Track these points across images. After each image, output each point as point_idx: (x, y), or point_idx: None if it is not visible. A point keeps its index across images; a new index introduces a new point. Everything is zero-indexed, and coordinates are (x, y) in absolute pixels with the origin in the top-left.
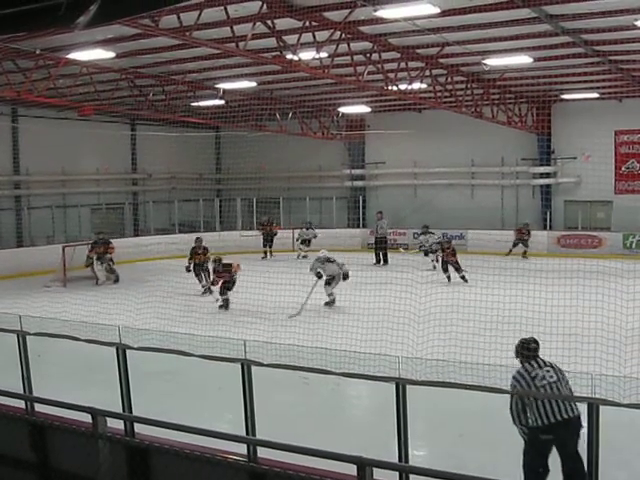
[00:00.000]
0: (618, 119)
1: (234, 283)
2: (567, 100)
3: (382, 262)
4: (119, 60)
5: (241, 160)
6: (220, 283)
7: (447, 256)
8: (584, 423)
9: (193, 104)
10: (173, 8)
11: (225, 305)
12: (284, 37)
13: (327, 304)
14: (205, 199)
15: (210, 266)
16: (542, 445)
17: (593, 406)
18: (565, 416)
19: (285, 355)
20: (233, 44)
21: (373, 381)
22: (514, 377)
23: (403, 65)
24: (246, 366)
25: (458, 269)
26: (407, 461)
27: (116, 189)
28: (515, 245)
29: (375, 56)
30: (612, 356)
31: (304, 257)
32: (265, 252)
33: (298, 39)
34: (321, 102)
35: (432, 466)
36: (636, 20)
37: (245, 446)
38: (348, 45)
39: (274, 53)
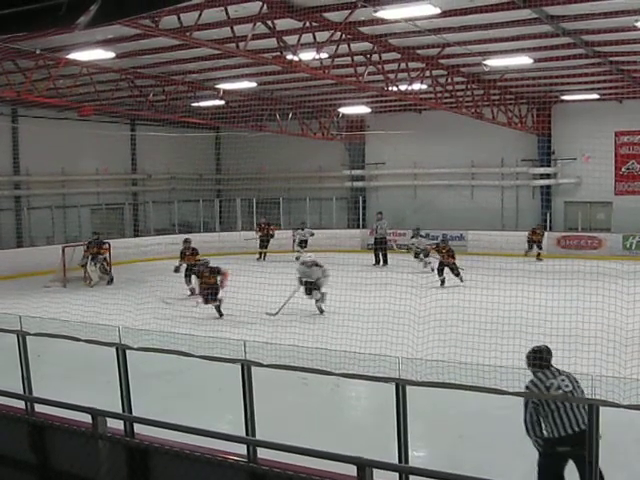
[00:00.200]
0: (618, 120)
1: (217, 290)
2: (567, 101)
3: (382, 263)
4: (119, 60)
5: (241, 161)
6: (202, 288)
7: (444, 257)
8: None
9: (193, 104)
10: (173, 9)
11: (218, 312)
12: (284, 37)
13: (322, 311)
14: (205, 200)
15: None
16: (558, 457)
17: (593, 407)
18: (583, 427)
19: (285, 356)
20: (233, 44)
21: (373, 382)
22: (527, 387)
23: (403, 66)
24: (246, 367)
25: (454, 270)
26: (407, 462)
27: (116, 189)
28: (531, 247)
29: (375, 57)
30: (612, 357)
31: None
32: (260, 253)
33: (298, 40)
34: (321, 103)
35: (432, 467)
36: (637, 21)
37: (245, 446)
38: (348, 46)
39: (274, 53)
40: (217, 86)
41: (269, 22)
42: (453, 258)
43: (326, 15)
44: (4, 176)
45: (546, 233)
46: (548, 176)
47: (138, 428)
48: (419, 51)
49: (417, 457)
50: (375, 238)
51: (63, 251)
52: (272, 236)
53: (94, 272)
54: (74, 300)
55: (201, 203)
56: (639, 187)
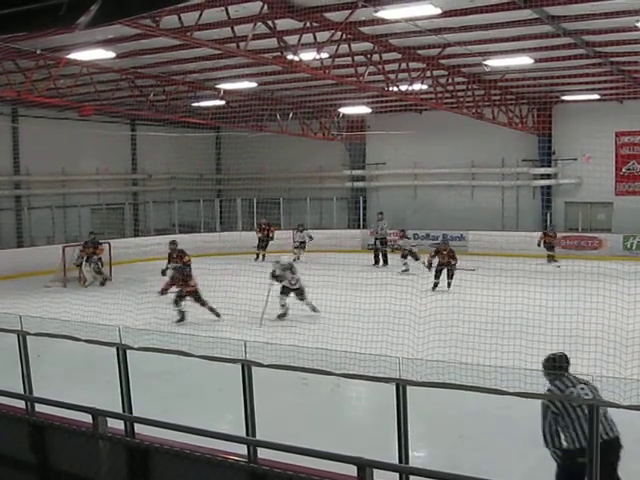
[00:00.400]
0: (619, 120)
1: (197, 294)
2: (568, 101)
3: (382, 263)
4: (119, 60)
5: (241, 161)
6: (169, 289)
7: (444, 259)
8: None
9: (194, 104)
10: (174, 8)
11: (181, 318)
12: (285, 37)
13: (280, 316)
14: (205, 199)
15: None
16: (578, 469)
17: (593, 407)
18: (605, 437)
19: (285, 356)
20: (234, 44)
21: (373, 382)
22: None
23: (404, 66)
24: (246, 367)
25: (450, 273)
26: (407, 462)
27: (116, 189)
28: (550, 249)
29: (376, 57)
30: (612, 358)
31: (298, 260)
32: (257, 254)
33: (299, 40)
34: (322, 103)
35: (432, 467)
36: (637, 21)
37: (245, 446)
38: (349, 46)
39: (275, 54)
40: (217, 86)
41: (269, 22)
42: (454, 259)
43: (326, 15)
44: (4, 176)
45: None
46: (549, 176)
47: (138, 428)
48: (420, 51)
49: (417, 457)
50: (375, 238)
51: (63, 251)
52: (272, 238)
53: (89, 272)
54: (74, 300)
55: (201, 203)
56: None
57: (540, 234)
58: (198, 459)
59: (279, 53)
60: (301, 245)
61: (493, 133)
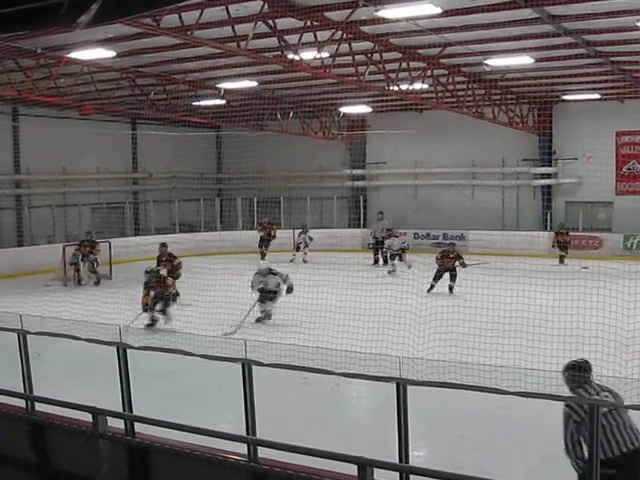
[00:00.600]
0: (619, 120)
1: (168, 301)
2: (568, 101)
3: (382, 262)
4: (120, 59)
5: (242, 160)
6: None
7: (450, 262)
8: None
9: (194, 103)
10: (174, 7)
11: (151, 324)
12: (285, 37)
13: (259, 320)
14: (206, 199)
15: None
16: None
17: (594, 407)
18: (631, 446)
19: (285, 355)
20: (234, 44)
21: (373, 381)
22: (569, 406)
23: (404, 65)
24: (246, 366)
25: (453, 278)
26: (407, 461)
27: (117, 188)
28: (564, 248)
29: (376, 56)
30: (613, 357)
31: (292, 261)
32: (263, 253)
33: (299, 39)
34: (322, 102)
35: (432, 467)
36: (638, 21)
37: (245, 446)
38: (349, 45)
39: (275, 53)
40: (218, 85)
41: (270, 21)
42: (460, 259)
43: (327, 14)
44: (5, 175)
45: (546, 233)
46: (549, 176)
47: (139, 427)
48: (420, 50)
49: (418, 457)
50: (375, 238)
51: (64, 250)
52: (274, 236)
53: (84, 272)
54: (74, 299)
55: (202, 202)
56: None
57: (552, 234)
58: (198, 458)
59: (280, 52)
60: (303, 246)
61: (493, 132)
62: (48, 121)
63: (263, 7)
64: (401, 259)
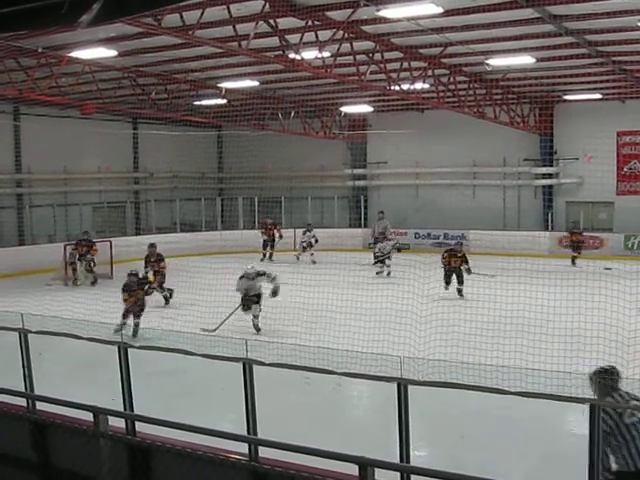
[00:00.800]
0: (621, 120)
1: (143, 305)
2: (570, 101)
3: (373, 263)
4: (121, 59)
5: (243, 159)
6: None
7: (455, 263)
8: (586, 424)
9: (195, 103)
10: (176, 7)
11: (134, 332)
12: (287, 36)
13: (258, 329)
14: (207, 198)
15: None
16: None
17: (595, 407)
18: None
19: (287, 355)
20: (235, 43)
21: (375, 381)
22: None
23: (406, 65)
24: (247, 365)
25: (460, 278)
26: (408, 461)
27: (118, 188)
28: (577, 249)
29: (377, 56)
30: (614, 357)
31: (314, 263)
32: (264, 254)
33: (301, 38)
34: (323, 101)
35: (433, 467)
36: (639, 21)
37: (246, 445)
38: (351, 45)
39: (276, 52)
40: (219, 85)
41: (271, 21)
42: (466, 263)
43: (328, 14)
44: (6, 174)
45: (547, 233)
46: (550, 176)
47: (140, 426)
48: (421, 50)
49: (419, 457)
50: (376, 238)
51: (65, 249)
52: (280, 236)
53: (81, 271)
54: (76, 298)
55: (203, 202)
56: None
57: (564, 234)
58: (199, 458)
59: (281, 52)
60: (307, 246)
61: (495, 132)
62: (49, 120)
63: (264, 7)
64: (383, 261)
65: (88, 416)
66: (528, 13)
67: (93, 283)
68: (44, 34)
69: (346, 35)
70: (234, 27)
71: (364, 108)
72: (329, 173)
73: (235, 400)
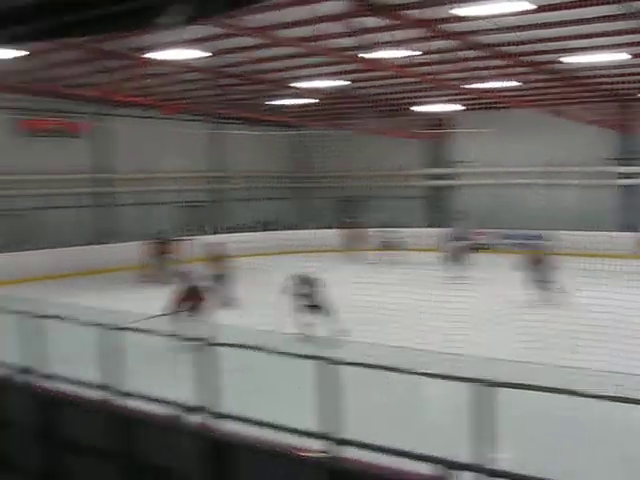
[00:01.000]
0: None
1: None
2: None
3: (463, 262)
4: (203, 59)
5: (322, 159)
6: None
7: (537, 264)
8: None
9: (275, 103)
10: (257, 8)
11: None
12: (366, 36)
13: (305, 338)
14: (286, 197)
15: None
16: None
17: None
18: None
19: (366, 354)
20: (316, 43)
21: (455, 381)
22: None
23: (486, 63)
24: (327, 364)
25: (543, 281)
26: (490, 465)
27: (198, 187)
28: None
29: (457, 54)
30: None
31: (390, 262)
32: (350, 253)
33: (380, 38)
34: (403, 100)
35: (515, 470)
36: None
37: (325, 443)
38: (431, 43)
39: (356, 52)
40: (299, 85)
41: (351, 20)
42: (549, 265)
43: (408, 13)
44: (90, 174)
45: (631, 234)
46: (633, 175)
47: (219, 423)
48: (503, 48)
49: (500, 460)
50: (455, 237)
51: (147, 247)
52: (359, 237)
53: (159, 270)
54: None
55: (282, 201)
56: None
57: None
58: (278, 455)
59: (361, 51)
60: (386, 245)
61: (574, 130)
62: (132, 121)
63: (344, 7)
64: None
65: (170, 411)
66: (616, 9)
67: (167, 282)
68: (127, 36)
69: (426, 34)
70: (314, 27)
71: (443, 107)
72: (408, 172)
73: (313, 398)
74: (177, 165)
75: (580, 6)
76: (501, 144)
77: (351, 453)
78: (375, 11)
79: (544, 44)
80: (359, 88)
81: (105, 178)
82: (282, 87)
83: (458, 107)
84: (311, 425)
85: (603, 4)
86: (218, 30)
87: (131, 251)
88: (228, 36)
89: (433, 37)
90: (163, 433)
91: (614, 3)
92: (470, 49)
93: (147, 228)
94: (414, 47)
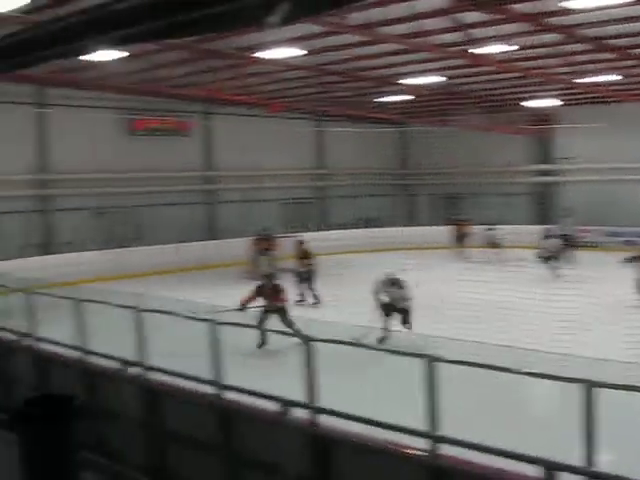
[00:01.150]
0: None
1: (285, 312)
2: None
3: (569, 261)
4: (307, 58)
5: (427, 155)
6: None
7: None
8: None
9: (379, 100)
10: (360, 5)
11: (262, 342)
12: (470, 31)
13: (381, 340)
14: (390, 194)
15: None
16: None
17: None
18: None
19: (469, 352)
20: (419, 39)
21: (560, 382)
22: None
23: (593, 57)
24: (430, 362)
25: None
26: (594, 466)
27: (303, 184)
28: None
29: (564, 48)
30: None
31: (499, 260)
32: (460, 251)
33: (485, 33)
34: (508, 96)
35: (620, 473)
36: None
37: (427, 441)
38: (536, 37)
39: (460, 47)
40: (403, 81)
41: (455, 16)
42: None
43: (513, 7)
44: (197, 171)
45: None
46: None
47: (322, 419)
48: (610, 41)
49: (605, 462)
50: (561, 235)
51: (252, 244)
52: (467, 235)
53: (262, 266)
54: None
55: (386, 198)
56: None
57: None
58: (379, 452)
59: (465, 47)
60: (493, 244)
61: None
62: (237, 119)
63: (448, 2)
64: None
65: (273, 406)
66: None
67: (272, 277)
68: (232, 35)
69: (531, 28)
70: (418, 23)
71: (550, 102)
72: (514, 169)
73: (416, 395)
74: (282, 163)
75: None
76: (610, 139)
77: (453, 451)
78: (479, 5)
79: None
80: (462, 84)
81: (212, 176)
82: (385, 84)
83: (562, 102)
84: (413, 423)
85: None
86: (320, 28)
87: (237, 248)
88: (329, 34)
89: (539, 31)
90: (267, 428)
91: None
92: (577, 42)
93: (252, 225)
94: (519, 42)
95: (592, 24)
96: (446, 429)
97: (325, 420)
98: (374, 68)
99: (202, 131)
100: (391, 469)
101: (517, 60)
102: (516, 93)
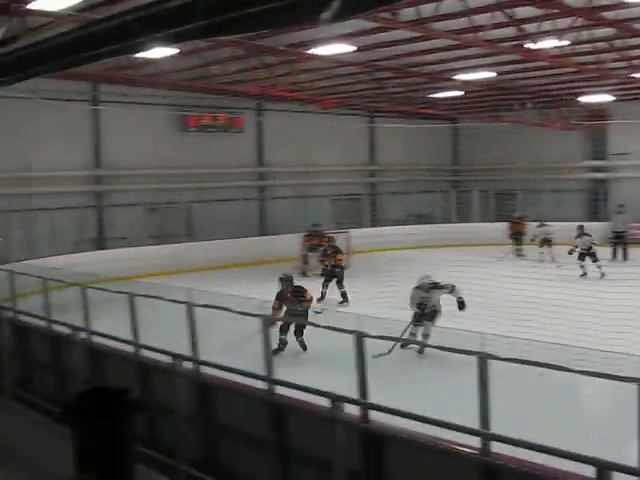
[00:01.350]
0: None
1: (306, 314)
2: None
3: (622, 258)
4: (359, 54)
5: (478, 151)
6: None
7: None
8: None
9: (431, 96)
10: (412, 0)
11: (279, 347)
12: (523, 26)
13: (420, 352)
14: (441, 190)
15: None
16: None
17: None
18: None
19: (520, 350)
20: (472, 34)
21: (612, 380)
22: None
23: None
24: (482, 359)
25: None
26: None
27: (354, 180)
28: None
29: (619, 42)
30: None
31: (551, 258)
32: (513, 248)
33: (538, 27)
34: (561, 91)
35: None
36: None
37: (479, 439)
38: (590, 32)
39: (513, 42)
40: (455, 77)
41: (508, 10)
42: None
43: (567, 1)
44: (250, 167)
45: None
46: None
47: (373, 415)
48: None
49: None
50: (614, 232)
51: (304, 240)
52: (524, 233)
53: (313, 262)
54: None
55: (437, 194)
56: None
57: None
58: (431, 449)
59: (517, 42)
60: (546, 242)
61: None
62: (290, 115)
63: None
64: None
65: (325, 402)
66: None
67: (323, 274)
68: (284, 32)
69: (585, 22)
70: (470, 18)
71: (604, 97)
72: (567, 165)
73: (467, 393)
74: (333, 159)
75: None
76: None
77: (504, 450)
78: (533, 0)
79: None
80: (516, 79)
81: (264, 172)
82: (438, 80)
83: (615, 98)
84: (465, 419)
85: None
86: (371, 24)
87: (289, 244)
88: (381, 30)
89: (594, 25)
90: (318, 423)
91: None
92: (633, 37)
93: (304, 221)
94: (573, 36)
95: None
96: (498, 427)
97: (377, 416)
98: (426, 64)
99: (254, 127)
100: (442, 466)
101: (571, 55)
102: (570, 88)
